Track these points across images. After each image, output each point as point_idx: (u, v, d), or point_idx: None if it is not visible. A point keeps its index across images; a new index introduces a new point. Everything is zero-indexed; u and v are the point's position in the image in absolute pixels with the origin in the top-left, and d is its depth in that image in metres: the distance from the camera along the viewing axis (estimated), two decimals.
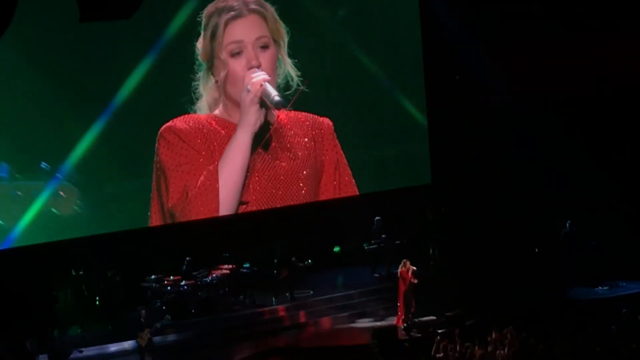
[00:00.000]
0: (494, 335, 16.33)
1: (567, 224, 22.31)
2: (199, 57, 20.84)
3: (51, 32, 20.23)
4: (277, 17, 21.09)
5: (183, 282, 20.90)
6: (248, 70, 20.37)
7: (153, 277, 21.08)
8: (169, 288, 20.79)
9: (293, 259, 21.77)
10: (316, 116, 21.98)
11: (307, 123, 21.84)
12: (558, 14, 22.65)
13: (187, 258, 21.40)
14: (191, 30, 20.89)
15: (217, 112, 21.10)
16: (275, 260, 21.81)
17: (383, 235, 22.88)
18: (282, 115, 21.48)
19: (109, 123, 20.83)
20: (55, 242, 20.35)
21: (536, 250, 22.87)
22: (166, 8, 21.06)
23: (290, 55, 21.20)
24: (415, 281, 19.72)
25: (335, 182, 22.07)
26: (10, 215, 20.30)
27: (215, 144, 20.96)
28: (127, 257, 21.34)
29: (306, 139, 21.67)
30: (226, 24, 20.45)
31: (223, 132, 20.93)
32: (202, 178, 20.71)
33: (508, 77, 23.65)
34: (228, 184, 20.81)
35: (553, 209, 23.06)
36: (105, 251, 20.96)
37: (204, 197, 20.77)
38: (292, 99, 21.20)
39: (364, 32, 23.52)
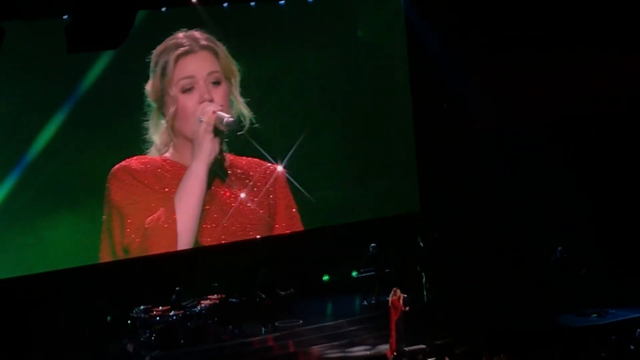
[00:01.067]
0: None
1: (558, 251, 22.33)
2: (148, 97, 20.80)
3: None
4: (229, 55, 21.17)
5: (172, 312, 20.81)
6: (200, 105, 20.51)
7: (142, 307, 20.99)
8: (157, 318, 20.70)
9: (276, 288, 21.69)
10: (265, 164, 22.13)
11: (259, 167, 22.02)
12: (543, 39, 22.76)
13: (177, 288, 21.34)
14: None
15: (167, 154, 21.15)
16: (257, 290, 21.70)
17: (378, 262, 22.85)
18: (235, 158, 21.70)
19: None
20: (41, 274, 20.28)
21: (525, 277, 22.88)
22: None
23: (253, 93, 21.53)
24: (407, 309, 19.67)
25: (284, 224, 22.31)
26: None
27: (167, 182, 21.00)
28: (115, 288, 21.25)
29: (259, 183, 21.88)
30: (177, 59, 20.46)
31: (173, 173, 20.99)
32: (159, 212, 20.82)
33: (495, 103, 23.71)
34: (185, 217, 20.98)
35: (543, 235, 23.08)
36: (94, 282, 20.90)
37: (162, 231, 20.88)
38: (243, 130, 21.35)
39: (350, 64, 23.57)
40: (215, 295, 21.53)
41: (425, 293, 22.75)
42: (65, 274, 20.47)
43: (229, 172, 21.65)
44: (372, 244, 23.03)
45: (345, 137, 23.49)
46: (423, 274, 22.87)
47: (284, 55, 22.92)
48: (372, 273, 22.71)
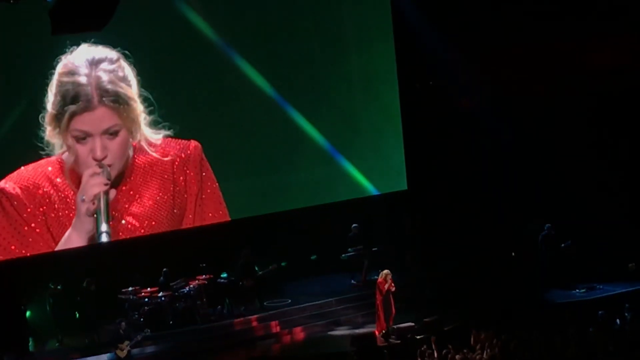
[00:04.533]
0: (472, 340, 16.40)
1: (546, 227, 22.39)
2: (45, 124, 19.05)
3: None
4: (135, 96, 19.26)
5: (160, 294, 20.84)
6: (88, 170, 18.74)
7: (130, 289, 21.01)
8: (146, 300, 20.73)
9: (256, 267, 21.70)
10: (178, 143, 20.49)
11: (164, 163, 20.37)
12: (532, 15, 22.75)
13: (164, 269, 21.36)
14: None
15: (64, 156, 19.47)
16: (239, 270, 21.64)
17: (361, 243, 22.88)
18: (141, 157, 20.13)
19: None
20: (30, 257, 20.22)
21: (513, 254, 22.94)
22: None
23: None
24: (393, 288, 19.72)
25: (191, 216, 20.88)
26: None
27: (50, 208, 19.61)
28: (103, 270, 21.25)
29: (165, 176, 20.35)
30: (71, 116, 18.60)
31: (64, 193, 19.60)
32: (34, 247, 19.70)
33: (482, 81, 23.72)
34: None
35: (530, 212, 23.15)
36: (82, 264, 20.88)
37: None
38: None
39: (334, 40, 23.49)
40: (204, 276, 21.56)
41: (412, 271, 22.82)
42: (51, 257, 20.35)
43: (132, 182, 20.17)
44: (354, 225, 23.05)
45: (329, 114, 23.38)
46: (410, 252, 22.93)
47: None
48: (357, 252, 22.74)
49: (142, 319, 20.34)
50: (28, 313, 20.74)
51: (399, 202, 23.98)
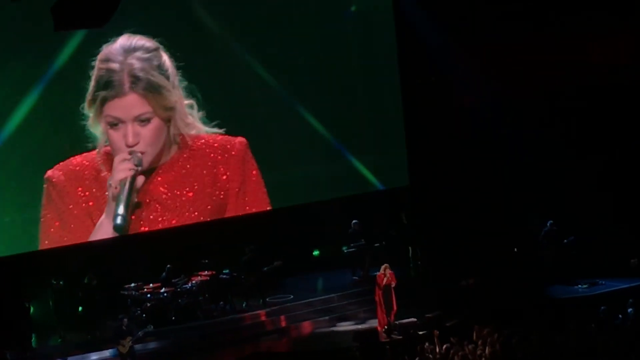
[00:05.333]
0: (474, 336, 16.40)
1: (548, 223, 22.39)
2: (85, 109, 19.53)
3: None
4: (166, 89, 19.50)
5: (163, 289, 20.87)
6: (119, 155, 19.10)
7: (133, 284, 21.05)
8: (148, 295, 20.76)
9: (261, 264, 21.71)
10: (225, 139, 20.77)
11: (211, 150, 20.70)
12: (533, 11, 22.74)
13: (168, 265, 21.37)
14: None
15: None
16: (243, 267, 21.68)
17: (362, 238, 22.90)
18: (185, 150, 20.47)
19: None
20: (32, 252, 20.25)
21: (515, 249, 22.94)
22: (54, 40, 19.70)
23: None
24: (393, 283, 19.73)
25: (232, 210, 21.09)
26: None
27: (92, 195, 19.97)
28: (106, 265, 21.29)
29: (205, 171, 20.66)
30: (103, 102, 19.11)
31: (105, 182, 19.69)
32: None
33: (484, 78, 23.71)
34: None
35: (532, 208, 23.14)
36: (85, 260, 20.92)
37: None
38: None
39: (338, 39, 23.50)
40: (206, 272, 21.59)
41: (414, 267, 22.84)
42: (54, 253, 20.38)
43: (173, 174, 20.48)
44: (354, 221, 23.07)
45: (331, 111, 23.38)
46: (412, 248, 22.95)
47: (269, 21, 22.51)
48: (359, 248, 22.76)
49: (144, 315, 20.36)
50: (31, 309, 20.75)
51: (401, 197, 23.98)
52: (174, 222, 20.45)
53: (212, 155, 20.60)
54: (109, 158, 19.58)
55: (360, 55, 23.75)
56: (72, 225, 19.96)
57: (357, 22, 23.71)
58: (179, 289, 21.00)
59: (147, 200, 20.04)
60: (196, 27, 21.38)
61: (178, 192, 20.48)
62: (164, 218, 20.34)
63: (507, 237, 23.01)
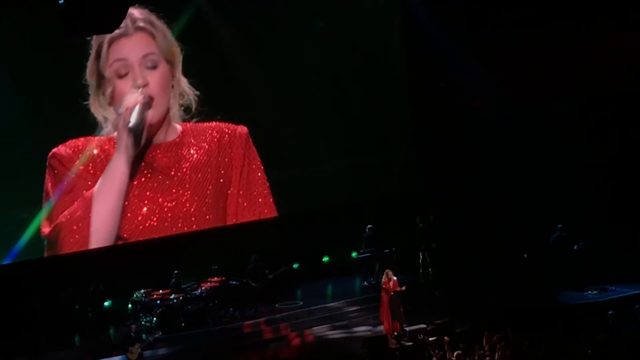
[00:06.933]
0: (484, 342, 16.35)
1: (558, 229, 22.32)
2: (87, 77, 20.13)
3: None
4: (170, 36, 20.53)
5: (172, 296, 20.86)
6: (129, 92, 19.88)
7: (142, 291, 21.05)
8: (158, 302, 20.75)
9: (267, 271, 21.67)
10: (227, 124, 21.46)
11: (212, 133, 21.33)
12: (544, 15, 22.73)
13: (176, 271, 21.36)
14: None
15: (114, 134, 20.53)
16: (248, 275, 21.62)
17: (373, 244, 22.87)
18: (186, 130, 21.07)
19: None
20: (42, 260, 20.27)
21: (525, 255, 22.88)
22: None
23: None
24: (403, 289, 19.67)
25: (236, 190, 21.62)
26: None
27: (97, 167, 20.49)
28: (115, 272, 21.28)
29: (205, 157, 21.17)
30: (110, 42, 19.79)
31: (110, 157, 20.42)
32: (74, 206, 20.34)
33: (493, 82, 23.68)
34: (102, 213, 20.36)
35: (542, 213, 23.08)
36: (94, 267, 20.92)
37: (75, 227, 20.38)
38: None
39: (346, 43, 23.47)
40: (216, 278, 21.58)
41: (424, 273, 22.79)
42: (61, 260, 20.41)
43: (172, 159, 21.04)
44: (369, 226, 23.05)
45: (341, 117, 23.39)
46: (422, 253, 22.90)
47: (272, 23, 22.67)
48: (371, 254, 22.74)
49: (154, 321, 20.35)
50: (40, 316, 20.73)
51: (411, 203, 23.95)
52: (185, 197, 20.90)
53: (215, 137, 21.20)
54: (111, 141, 20.29)
55: (369, 61, 23.80)
56: (77, 196, 20.26)
57: (366, 26, 23.70)
58: (188, 295, 20.99)
59: (150, 175, 20.69)
60: (200, 21, 21.49)
61: (180, 173, 21.00)
62: (169, 197, 20.86)
63: (517, 242, 22.94)
